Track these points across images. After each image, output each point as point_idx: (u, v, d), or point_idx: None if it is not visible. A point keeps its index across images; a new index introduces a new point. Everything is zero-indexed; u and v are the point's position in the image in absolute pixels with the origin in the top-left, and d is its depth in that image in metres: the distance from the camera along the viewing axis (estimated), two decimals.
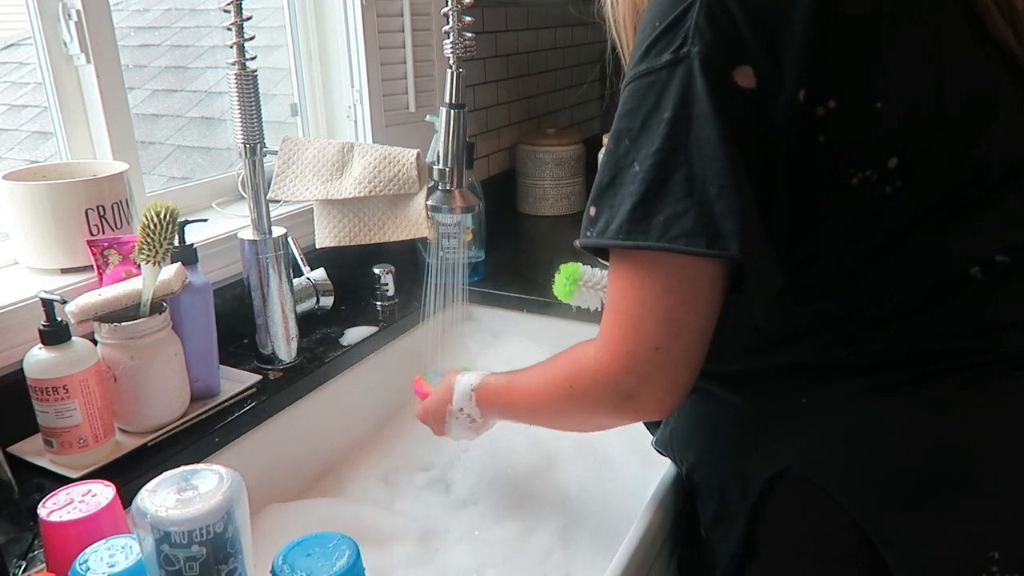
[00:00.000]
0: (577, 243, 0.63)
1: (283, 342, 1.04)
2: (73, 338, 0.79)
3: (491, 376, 0.83)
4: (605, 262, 0.64)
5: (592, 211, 0.61)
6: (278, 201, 1.04)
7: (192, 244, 0.93)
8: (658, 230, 0.56)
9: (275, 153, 1.03)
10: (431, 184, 1.01)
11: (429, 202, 1.01)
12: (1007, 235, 0.60)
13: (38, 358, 0.77)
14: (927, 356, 0.60)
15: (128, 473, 0.80)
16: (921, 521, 0.59)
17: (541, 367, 0.76)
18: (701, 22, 0.55)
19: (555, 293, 1.02)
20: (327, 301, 1.12)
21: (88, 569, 0.55)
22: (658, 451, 0.83)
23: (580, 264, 1.01)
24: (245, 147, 0.96)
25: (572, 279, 1.00)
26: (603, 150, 0.62)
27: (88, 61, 1.00)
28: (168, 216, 0.82)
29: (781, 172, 0.57)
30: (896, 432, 0.60)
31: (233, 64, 0.91)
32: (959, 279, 0.59)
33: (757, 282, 0.60)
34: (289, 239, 1.03)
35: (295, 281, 1.06)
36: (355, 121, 1.37)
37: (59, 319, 0.78)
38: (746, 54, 0.55)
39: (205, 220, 1.01)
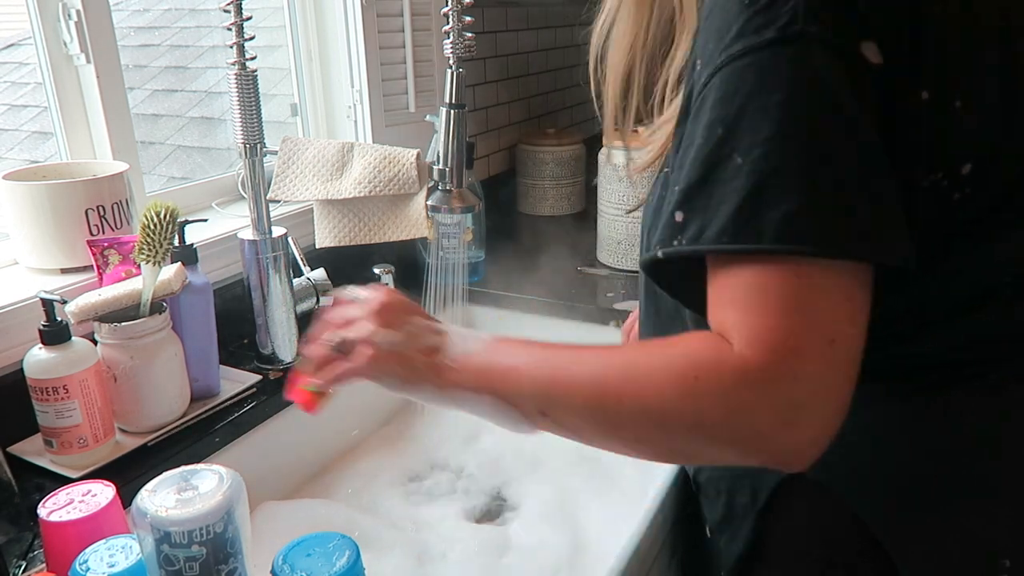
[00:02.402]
0: (659, 253, 0.52)
1: (283, 342, 1.04)
2: (73, 338, 0.79)
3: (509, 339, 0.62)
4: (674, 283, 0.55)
5: (679, 216, 0.51)
6: (278, 201, 1.04)
7: (192, 244, 0.93)
8: (773, 230, 0.46)
9: (275, 153, 1.03)
10: (431, 184, 1.01)
11: (429, 202, 1.01)
12: None
13: (38, 358, 0.77)
14: (944, 363, 0.59)
15: (128, 473, 0.80)
16: (931, 526, 0.58)
17: (624, 351, 0.59)
18: None
19: None
20: (327, 301, 1.12)
21: (88, 569, 0.55)
22: None
23: None
24: (245, 147, 0.96)
25: None
26: (682, 147, 0.53)
27: (88, 61, 1.00)
28: (168, 216, 0.82)
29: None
30: (907, 437, 0.59)
31: (233, 64, 0.91)
32: (990, 290, 0.57)
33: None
34: (289, 239, 1.03)
35: (295, 281, 1.06)
36: (355, 121, 1.37)
37: (59, 319, 0.78)
38: (869, 28, 0.48)
39: (205, 220, 1.01)
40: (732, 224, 0.48)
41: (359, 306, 0.65)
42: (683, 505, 0.80)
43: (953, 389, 0.59)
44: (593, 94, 0.67)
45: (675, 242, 0.51)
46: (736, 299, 0.49)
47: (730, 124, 0.49)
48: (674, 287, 0.57)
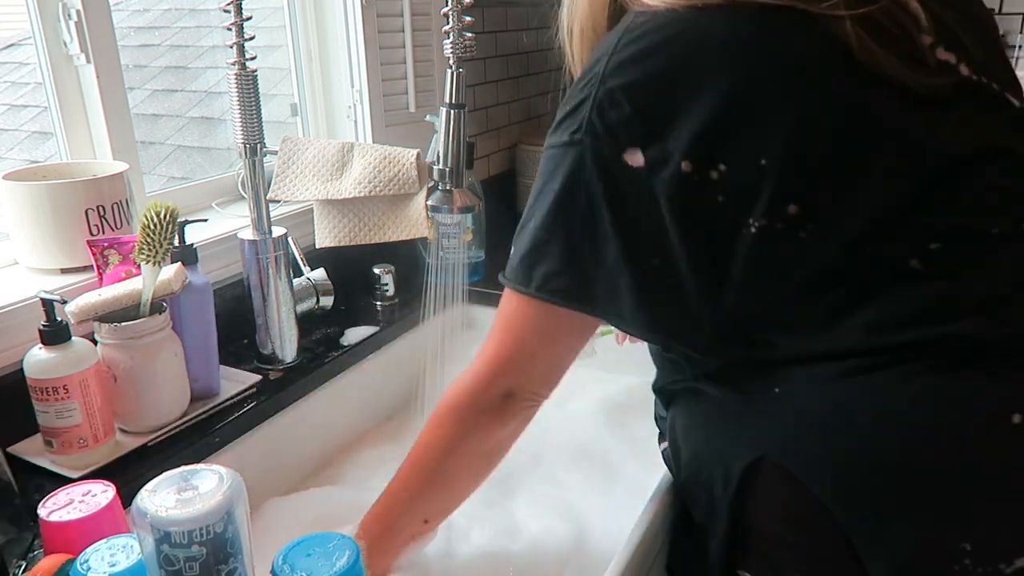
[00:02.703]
0: (500, 276, 0.72)
1: (283, 342, 1.04)
2: (73, 338, 0.79)
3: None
4: None
5: (512, 250, 0.71)
6: (278, 201, 1.04)
7: (192, 244, 0.93)
8: (538, 281, 0.68)
9: (275, 153, 1.03)
10: (431, 184, 1.01)
11: (429, 202, 1.01)
12: (937, 225, 0.61)
13: (38, 358, 0.77)
14: (893, 348, 0.61)
15: (128, 473, 0.80)
16: (892, 510, 0.59)
17: (411, 453, 0.78)
18: (593, 114, 0.64)
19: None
20: (327, 301, 1.12)
21: (89, 568, 0.55)
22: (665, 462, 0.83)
23: None
24: (245, 147, 0.96)
25: None
26: None
27: (88, 61, 1.00)
28: (168, 216, 0.82)
29: (672, 237, 0.63)
30: (865, 420, 0.61)
31: (233, 64, 0.91)
32: (900, 270, 0.61)
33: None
34: (289, 239, 1.03)
35: (295, 281, 1.06)
36: (355, 121, 1.37)
37: (59, 319, 0.78)
38: (634, 139, 0.63)
39: (205, 220, 1.01)
40: (516, 270, 0.70)
41: None
42: (681, 504, 0.80)
43: (904, 371, 0.60)
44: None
45: (503, 271, 0.72)
46: (495, 324, 0.73)
47: (535, 196, 0.69)
48: None
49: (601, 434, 1.09)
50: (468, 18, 0.94)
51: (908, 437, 0.59)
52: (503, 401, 0.73)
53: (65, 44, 1.00)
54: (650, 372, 0.82)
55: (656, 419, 0.85)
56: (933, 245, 0.60)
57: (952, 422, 0.58)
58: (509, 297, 0.71)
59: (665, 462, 0.81)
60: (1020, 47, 2.25)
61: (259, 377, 1.00)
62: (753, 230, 0.62)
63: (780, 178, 0.60)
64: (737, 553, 0.70)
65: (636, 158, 0.63)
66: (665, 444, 0.81)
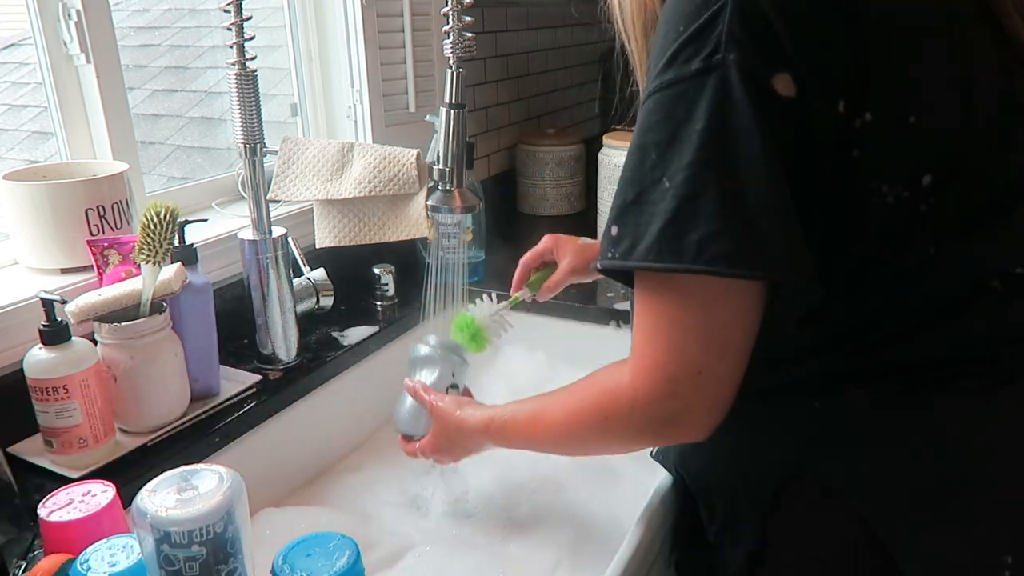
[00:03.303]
0: (597, 265, 0.59)
1: (283, 342, 1.04)
2: (73, 338, 0.79)
3: (506, 408, 0.79)
4: (627, 285, 0.61)
5: (614, 231, 0.57)
6: (278, 201, 1.04)
7: (192, 244, 0.93)
8: (692, 250, 0.52)
9: (275, 153, 1.03)
10: (431, 184, 1.00)
11: (429, 202, 1.01)
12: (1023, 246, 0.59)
13: (38, 358, 0.77)
14: (942, 365, 0.59)
15: (128, 473, 0.80)
16: (933, 525, 0.58)
17: (566, 397, 0.71)
18: (735, 27, 0.51)
19: (472, 351, 0.98)
20: (327, 301, 1.12)
21: (89, 568, 0.55)
22: (655, 459, 0.83)
23: (463, 311, 1.00)
24: (245, 147, 0.96)
25: (471, 327, 0.97)
26: (624, 165, 0.58)
27: (88, 61, 1.00)
28: (168, 216, 0.82)
29: (820, 186, 0.55)
30: (909, 438, 0.60)
31: (233, 64, 0.91)
32: (981, 291, 0.59)
33: (794, 300, 0.58)
34: (289, 239, 1.03)
35: (295, 281, 1.06)
36: (355, 121, 1.37)
37: (59, 319, 0.78)
38: (784, 61, 0.52)
39: (205, 220, 1.01)
40: (656, 244, 0.54)
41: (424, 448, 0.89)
42: (682, 507, 0.79)
43: (951, 390, 0.59)
44: (631, 54, 0.70)
45: (609, 254, 0.57)
46: (640, 325, 0.59)
47: (662, 150, 0.54)
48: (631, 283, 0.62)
49: None
50: (468, 18, 0.94)
51: (953, 453, 0.58)
52: (661, 428, 0.61)
53: (65, 44, 1.00)
54: None
55: None
56: (1018, 269, 0.58)
57: (996, 436, 0.58)
58: (648, 290, 0.57)
59: (663, 465, 0.81)
60: None
61: (259, 377, 1.00)
62: (889, 199, 0.55)
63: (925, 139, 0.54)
64: (761, 567, 0.68)
65: (786, 85, 0.52)
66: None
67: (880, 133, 0.54)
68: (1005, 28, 0.58)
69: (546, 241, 1.05)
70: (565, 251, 1.03)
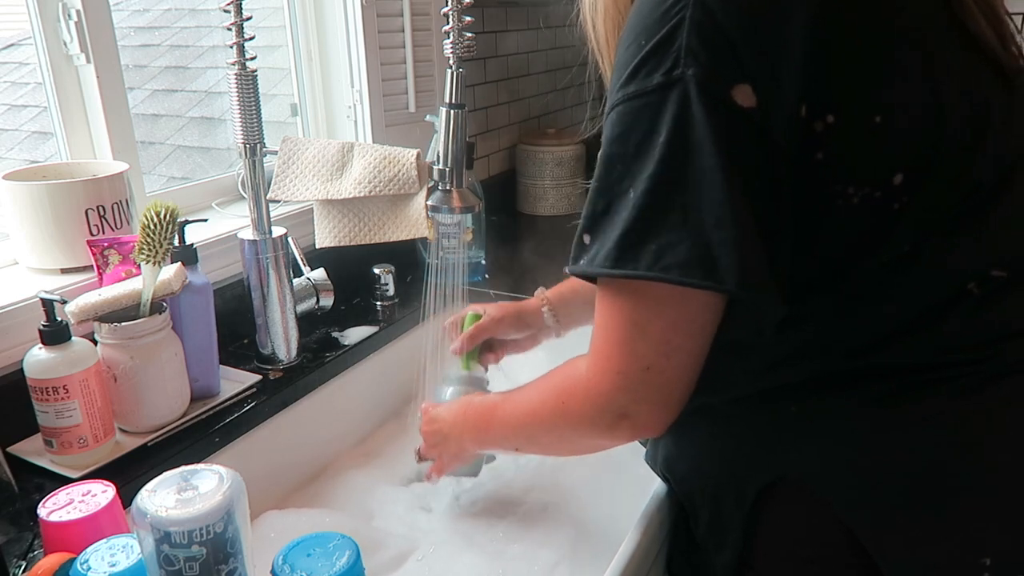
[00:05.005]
0: (566, 270, 0.62)
1: (283, 342, 1.04)
2: (73, 338, 0.79)
3: (486, 395, 0.84)
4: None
5: (586, 239, 0.60)
6: (278, 201, 1.04)
7: (192, 244, 0.93)
8: (649, 258, 0.55)
9: (275, 153, 1.03)
10: (431, 184, 1.00)
11: (429, 202, 1.01)
12: (1002, 245, 0.59)
13: (38, 358, 0.77)
14: (922, 369, 0.60)
15: (128, 473, 0.80)
16: (913, 529, 0.59)
17: (533, 383, 0.75)
18: (693, 41, 0.53)
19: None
20: (327, 301, 1.12)
21: (90, 568, 0.55)
22: (648, 464, 0.83)
23: (471, 312, 1.02)
24: (245, 147, 0.96)
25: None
26: (594, 175, 0.60)
27: (88, 61, 1.00)
28: (168, 216, 0.82)
29: (786, 194, 0.55)
30: (889, 440, 0.60)
31: (233, 64, 0.91)
32: (957, 294, 0.59)
33: (758, 307, 0.59)
34: (289, 239, 1.03)
35: (295, 281, 1.06)
36: (355, 121, 1.37)
37: (59, 319, 0.78)
38: (743, 71, 0.53)
39: (205, 220, 1.01)
40: (616, 251, 0.56)
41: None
42: (677, 508, 0.79)
43: (932, 392, 0.59)
44: (604, 71, 0.72)
45: (580, 261, 0.60)
46: (599, 323, 0.62)
47: (628, 161, 0.56)
48: None
49: None
50: (468, 18, 0.94)
51: (936, 456, 0.59)
52: (615, 421, 0.63)
53: (65, 44, 1.00)
54: None
55: None
56: (995, 272, 0.58)
57: (976, 438, 0.58)
58: (607, 293, 0.60)
59: (652, 469, 0.81)
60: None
61: (259, 377, 1.00)
62: (855, 200, 0.56)
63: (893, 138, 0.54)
64: (746, 570, 0.69)
65: (746, 95, 0.53)
66: (647, 449, 0.81)
67: (844, 134, 0.55)
68: (970, 29, 0.59)
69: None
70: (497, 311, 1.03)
